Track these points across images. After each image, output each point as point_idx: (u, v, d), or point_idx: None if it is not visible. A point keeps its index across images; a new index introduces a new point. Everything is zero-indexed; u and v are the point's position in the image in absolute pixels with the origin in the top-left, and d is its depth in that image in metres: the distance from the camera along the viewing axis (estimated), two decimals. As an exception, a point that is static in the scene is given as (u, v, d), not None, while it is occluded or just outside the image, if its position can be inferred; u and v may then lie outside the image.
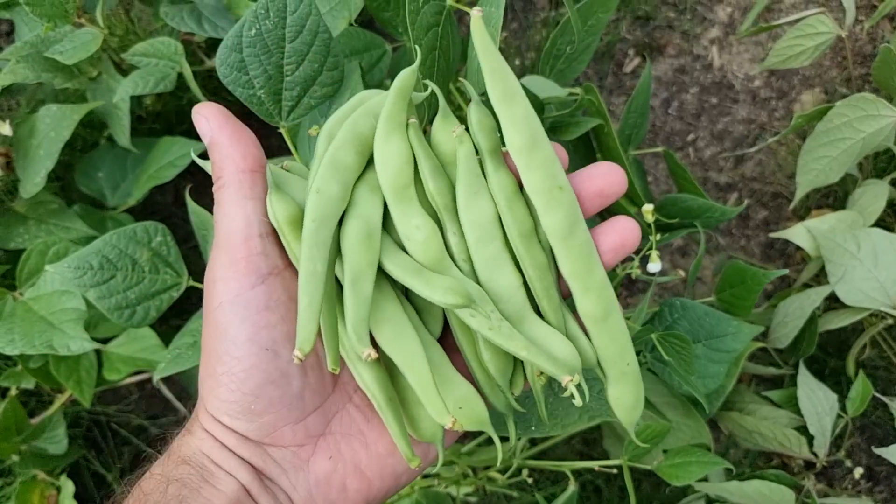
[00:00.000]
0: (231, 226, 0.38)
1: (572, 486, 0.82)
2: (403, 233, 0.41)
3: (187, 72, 0.94)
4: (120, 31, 1.09)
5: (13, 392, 1.06)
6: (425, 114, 0.54)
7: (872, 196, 1.03)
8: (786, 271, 0.87)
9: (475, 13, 0.40)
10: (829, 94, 1.42)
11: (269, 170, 0.40)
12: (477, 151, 0.43)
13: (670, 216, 0.90)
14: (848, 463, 1.08)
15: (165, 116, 1.26)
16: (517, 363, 0.43)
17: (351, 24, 0.80)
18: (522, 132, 0.41)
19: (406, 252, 0.41)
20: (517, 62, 1.45)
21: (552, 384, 0.65)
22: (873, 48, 1.43)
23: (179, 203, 1.33)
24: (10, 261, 1.01)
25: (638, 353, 0.87)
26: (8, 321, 0.84)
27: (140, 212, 1.28)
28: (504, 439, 0.47)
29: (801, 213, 1.34)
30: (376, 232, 0.40)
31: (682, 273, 0.93)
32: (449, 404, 0.41)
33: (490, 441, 1.06)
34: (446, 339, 0.43)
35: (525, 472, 0.87)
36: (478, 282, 0.41)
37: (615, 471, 0.86)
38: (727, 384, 0.90)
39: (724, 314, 0.83)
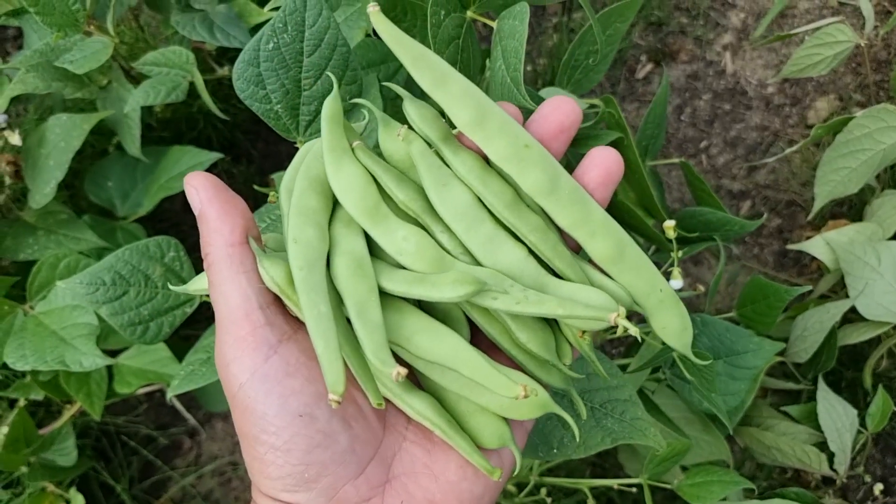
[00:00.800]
0: (229, 305, 0.38)
1: (590, 505, 0.81)
2: (394, 250, 0.39)
3: (199, 81, 0.93)
4: (130, 39, 1.08)
5: (22, 403, 1.06)
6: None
7: (892, 207, 1.01)
8: (809, 287, 0.86)
9: (371, 8, 0.38)
10: (844, 100, 1.41)
11: (251, 242, 0.39)
12: (430, 145, 0.41)
13: (689, 229, 0.88)
14: (867, 478, 1.07)
15: (175, 124, 1.25)
16: (557, 335, 0.42)
17: (367, 36, 0.79)
18: (467, 106, 0.39)
19: (404, 268, 0.40)
20: (529, 68, 1.43)
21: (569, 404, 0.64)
22: (888, 54, 1.41)
23: (188, 210, 1.32)
24: (19, 272, 1.00)
25: (657, 370, 0.86)
26: (19, 336, 0.83)
27: (149, 220, 1.27)
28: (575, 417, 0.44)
29: (816, 223, 1.33)
30: (366, 260, 0.39)
31: (701, 288, 0.92)
32: (502, 399, 0.39)
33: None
34: (478, 342, 0.41)
35: (543, 490, 0.86)
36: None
37: (634, 489, 0.84)
38: (746, 400, 0.88)
39: (744, 330, 0.82)
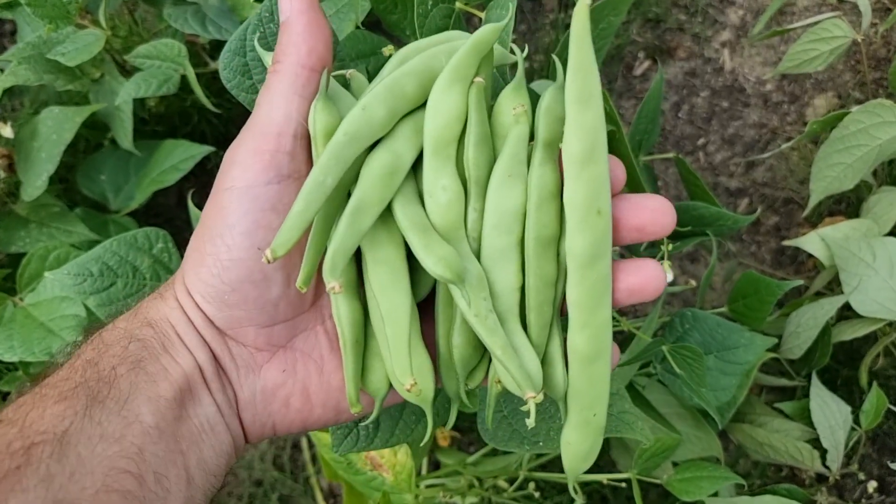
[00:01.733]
0: (270, 116, 0.37)
1: (580, 501, 0.80)
2: (429, 189, 0.39)
3: (191, 74, 0.93)
4: (123, 33, 1.07)
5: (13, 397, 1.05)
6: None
7: (888, 204, 1.01)
8: (800, 282, 0.85)
9: (584, 4, 0.36)
10: (843, 98, 1.40)
11: (324, 76, 0.38)
12: (533, 137, 0.40)
13: (682, 224, 0.88)
14: (861, 476, 1.06)
15: (168, 118, 1.24)
16: (482, 359, 0.41)
17: (357, 27, 0.79)
18: (584, 140, 0.37)
19: (423, 209, 0.39)
20: (525, 64, 1.43)
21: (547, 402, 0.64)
22: (888, 52, 1.41)
23: (182, 205, 1.32)
24: (10, 264, 1.00)
25: (648, 364, 0.85)
26: (7, 327, 0.82)
27: (143, 214, 1.26)
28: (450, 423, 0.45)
29: (814, 220, 1.32)
30: (401, 172, 0.39)
31: (693, 283, 0.91)
32: (401, 367, 0.39)
33: (496, 452, 1.04)
34: (426, 305, 0.42)
35: (532, 485, 0.85)
36: None
37: (624, 484, 0.84)
38: (738, 395, 0.88)
39: (736, 325, 0.81)
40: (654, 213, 0.39)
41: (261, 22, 0.56)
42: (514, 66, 0.46)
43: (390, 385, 0.40)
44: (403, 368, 0.38)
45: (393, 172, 0.38)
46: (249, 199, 0.37)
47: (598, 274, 0.38)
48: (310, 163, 0.38)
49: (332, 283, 0.35)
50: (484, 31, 0.39)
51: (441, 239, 0.38)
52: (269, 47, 0.57)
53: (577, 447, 0.41)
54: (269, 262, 0.33)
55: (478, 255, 0.39)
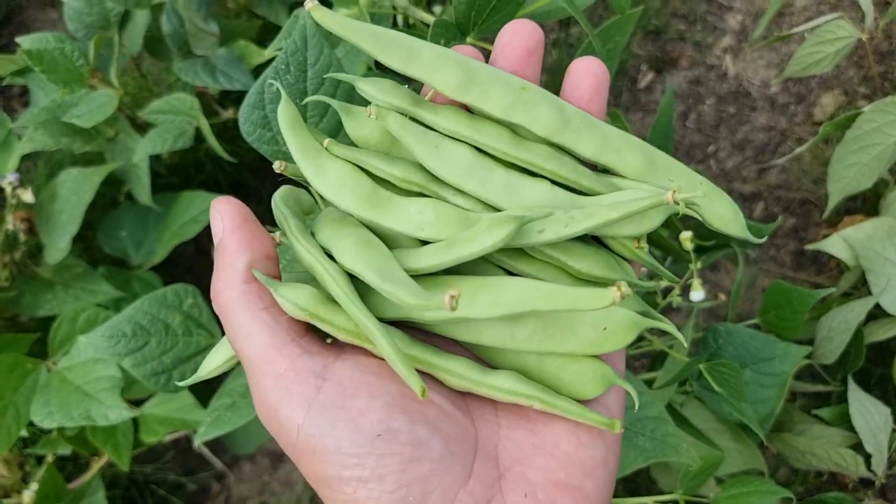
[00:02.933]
0: (256, 346, 0.34)
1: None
2: (412, 228, 0.36)
3: (205, 126, 0.94)
4: (133, 89, 1.09)
5: (50, 459, 1.06)
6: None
7: (907, 200, 1.00)
8: (832, 289, 0.84)
9: (308, 4, 0.35)
10: (849, 94, 1.40)
11: (256, 274, 0.35)
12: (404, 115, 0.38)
13: (704, 237, 0.88)
14: (905, 476, 1.05)
15: (183, 169, 1.26)
16: (612, 256, 0.38)
17: (369, 69, 0.79)
18: (450, 69, 0.36)
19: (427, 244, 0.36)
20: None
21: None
22: (890, 45, 1.41)
23: (202, 253, 1.33)
24: (39, 328, 1.01)
25: (685, 382, 0.85)
26: (44, 393, 0.83)
27: (163, 265, 1.27)
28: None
29: (832, 220, 1.32)
30: (374, 239, 0.36)
31: (722, 297, 0.91)
32: (589, 333, 0.35)
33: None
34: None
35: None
36: None
37: (669, 504, 0.83)
38: (776, 405, 0.87)
39: (769, 337, 0.81)
40: (517, 36, 0.38)
41: (277, 74, 0.57)
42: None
43: (605, 363, 0.36)
44: (595, 294, 0.31)
45: (368, 241, 0.35)
46: (321, 414, 0.32)
47: (575, 117, 0.38)
48: (328, 345, 0.35)
49: (445, 296, 0.29)
50: (281, 113, 0.38)
51: (469, 229, 0.34)
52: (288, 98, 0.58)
53: (724, 215, 0.39)
54: (425, 396, 0.30)
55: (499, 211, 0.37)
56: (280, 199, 0.38)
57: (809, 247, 1.04)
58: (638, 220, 0.36)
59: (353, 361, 0.34)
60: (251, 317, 0.34)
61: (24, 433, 1.01)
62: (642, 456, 0.63)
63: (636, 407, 0.38)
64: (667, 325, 0.36)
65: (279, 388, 0.33)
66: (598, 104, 0.39)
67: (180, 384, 0.39)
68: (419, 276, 0.35)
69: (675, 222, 0.85)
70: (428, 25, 0.72)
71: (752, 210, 1.38)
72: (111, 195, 1.22)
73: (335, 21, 0.35)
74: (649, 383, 0.86)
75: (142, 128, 1.04)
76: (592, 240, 0.39)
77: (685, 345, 0.39)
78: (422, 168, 0.38)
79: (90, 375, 0.83)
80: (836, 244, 0.99)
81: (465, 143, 0.37)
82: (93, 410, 0.80)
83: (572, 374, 0.36)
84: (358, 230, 0.36)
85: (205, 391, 0.98)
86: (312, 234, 0.37)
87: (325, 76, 0.43)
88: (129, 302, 0.92)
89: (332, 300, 0.34)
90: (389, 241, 0.37)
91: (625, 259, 0.39)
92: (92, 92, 0.94)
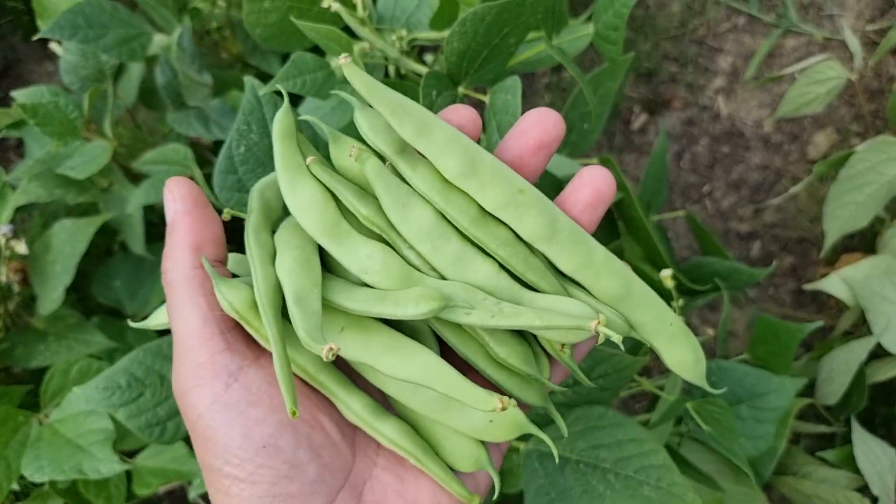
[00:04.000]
0: (188, 328, 0.35)
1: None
2: (358, 269, 0.37)
3: (198, 176, 0.94)
4: (128, 140, 1.09)
5: (41, 514, 1.04)
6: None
7: (904, 238, 1.00)
8: (820, 323, 0.84)
9: (342, 60, 0.36)
10: (842, 132, 1.41)
11: (206, 264, 0.36)
12: (384, 159, 0.39)
13: (699, 280, 0.87)
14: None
15: (178, 216, 1.25)
16: (535, 349, 0.40)
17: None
18: (455, 154, 0.37)
19: (368, 287, 0.38)
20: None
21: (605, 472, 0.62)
22: (879, 83, 1.42)
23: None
24: (31, 379, 0.99)
25: (679, 423, 0.84)
26: (35, 447, 0.81)
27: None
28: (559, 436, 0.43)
29: (832, 259, 1.31)
30: (314, 261, 0.37)
31: (710, 332, 0.90)
32: (476, 419, 0.38)
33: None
34: (451, 363, 0.39)
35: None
36: None
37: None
38: (778, 446, 0.86)
39: (763, 371, 0.80)
40: (539, 126, 0.39)
41: (241, 136, 0.57)
42: None
43: (485, 447, 0.39)
44: (481, 398, 0.35)
45: (307, 261, 0.37)
46: (223, 411, 0.35)
47: (565, 231, 0.38)
48: (253, 345, 0.37)
49: (325, 346, 0.32)
50: (278, 121, 0.39)
51: (401, 291, 0.36)
52: (257, 157, 0.58)
53: (684, 361, 0.41)
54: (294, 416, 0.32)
55: (444, 280, 0.38)
56: (257, 190, 0.40)
57: (808, 287, 1.04)
58: (563, 332, 0.38)
59: (267, 371, 0.36)
60: (189, 301, 0.36)
61: (14, 486, 1.00)
62: (645, 505, 0.61)
63: (495, 493, 0.39)
64: (544, 437, 0.38)
65: (194, 376, 0.35)
66: (592, 218, 0.40)
67: (133, 324, 0.41)
68: (342, 313, 0.37)
69: (665, 262, 0.85)
70: (420, 76, 0.72)
71: (749, 249, 1.37)
72: (105, 244, 1.22)
73: (363, 81, 0.37)
74: (646, 424, 0.85)
75: (136, 178, 1.04)
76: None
77: (589, 384, 0.41)
78: (387, 221, 0.39)
79: (82, 428, 0.81)
80: (834, 284, 0.99)
81: (434, 206, 0.39)
82: (84, 464, 0.78)
83: (453, 445, 0.39)
84: (304, 248, 0.38)
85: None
86: (273, 232, 0.39)
87: (330, 92, 0.43)
88: (123, 352, 0.91)
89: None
90: (335, 269, 0.39)
91: (548, 355, 0.40)
92: (86, 143, 0.94)
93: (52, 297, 0.95)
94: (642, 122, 1.47)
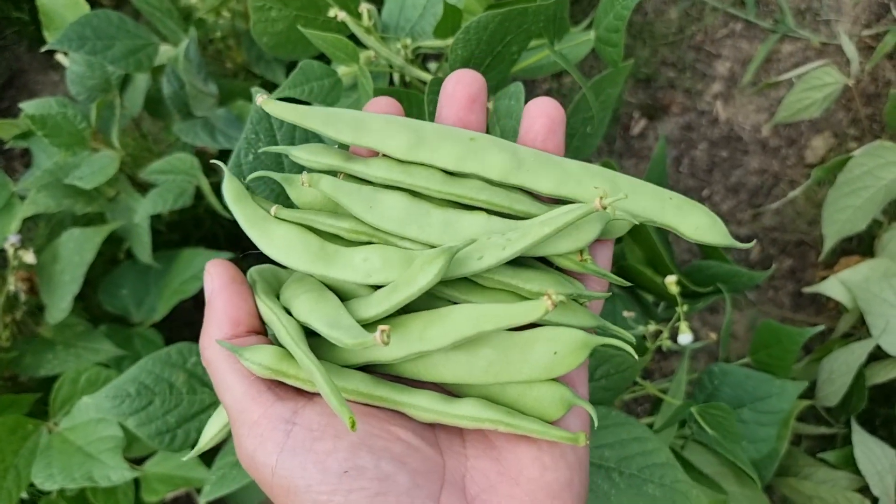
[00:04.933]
0: (235, 395, 0.37)
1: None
2: (360, 276, 0.38)
3: (205, 185, 0.95)
4: (134, 150, 1.10)
5: (50, 521, 1.04)
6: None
7: (902, 241, 1.01)
8: (822, 326, 0.85)
9: (259, 99, 0.39)
10: (839, 136, 1.42)
11: (222, 343, 0.37)
12: (338, 175, 0.40)
13: (698, 283, 0.89)
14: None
15: (182, 226, 1.27)
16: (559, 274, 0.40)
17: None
18: (398, 133, 0.38)
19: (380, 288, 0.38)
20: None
21: (614, 476, 0.63)
22: (876, 87, 1.43)
23: (200, 307, 1.33)
24: (39, 388, 1.00)
25: (683, 425, 0.85)
26: (45, 455, 0.82)
27: (163, 321, 1.27)
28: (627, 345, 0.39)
29: (830, 262, 1.33)
30: (327, 292, 0.38)
31: (713, 336, 0.91)
32: (541, 359, 0.36)
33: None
34: None
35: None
36: None
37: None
38: (779, 447, 0.87)
39: (765, 375, 0.81)
40: (543, 115, 0.40)
41: (250, 145, 0.58)
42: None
43: (565, 385, 0.38)
44: (532, 306, 0.34)
45: (321, 295, 0.38)
46: (291, 456, 0.34)
47: (528, 157, 0.39)
48: (299, 392, 0.37)
49: (375, 333, 0.32)
50: (227, 188, 0.40)
51: (407, 270, 0.37)
52: (265, 165, 0.59)
53: (701, 224, 0.40)
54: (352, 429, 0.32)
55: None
56: (255, 271, 0.41)
57: (807, 290, 1.05)
58: (575, 233, 0.37)
59: (322, 406, 0.36)
60: (231, 369, 0.37)
61: (23, 494, 1.01)
62: (652, 503, 0.63)
63: (595, 425, 0.38)
64: (619, 342, 0.37)
65: (254, 435, 0.35)
66: (554, 142, 0.41)
67: (185, 458, 0.42)
68: (372, 323, 0.37)
69: (668, 266, 0.86)
70: (424, 83, 0.74)
71: (748, 252, 1.39)
72: (111, 253, 1.23)
73: (286, 110, 0.39)
74: (650, 427, 0.86)
75: (142, 187, 1.06)
76: (541, 263, 0.40)
77: (635, 357, 0.41)
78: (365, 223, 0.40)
79: (92, 436, 0.82)
80: (833, 287, 1.00)
81: (400, 189, 0.39)
82: (94, 471, 0.79)
83: (533, 400, 0.37)
84: (313, 288, 0.38)
85: (208, 451, 0.97)
86: (278, 297, 0.40)
87: (260, 151, 0.45)
88: (131, 360, 0.92)
89: (291, 356, 0.36)
90: (346, 293, 0.39)
91: (575, 276, 0.40)
92: (94, 154, 0.95)
93: (60, 305, 0.96)
94: (642, 128, 1.48)
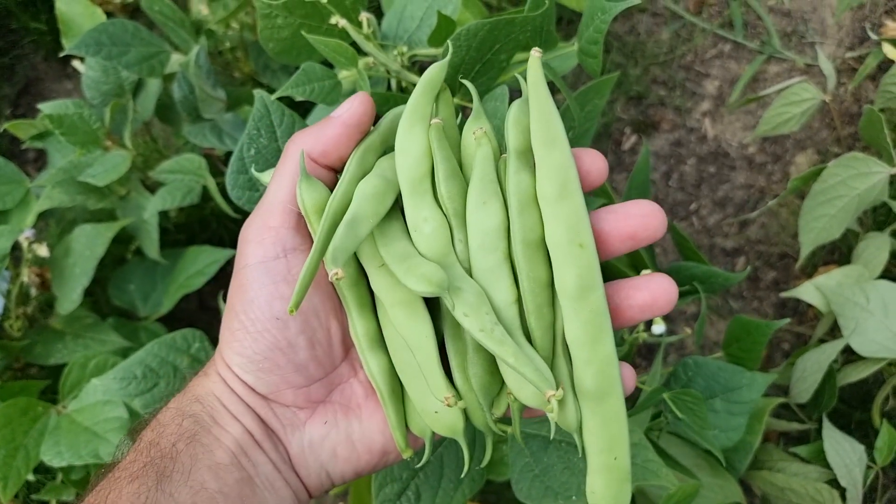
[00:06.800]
0: (277, 194, 0.42)
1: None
2: (412, 224, 0.41)
3: (211, 184, 1.00)
4: (144, 151, 1.15)
5: (53, 506, 1.08)
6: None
7: (875, 249, 1.06)
8: (788, 320, 0.89)
9: (535, 53, 0.40)
10: (822, 154, 1.47)
11: (301, 159, 0.41)
12: (505, 150, 0.42)
13: (678, 282, 0.93)
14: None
15: (189, 227, 1.32)
16: (502, 387, 0.42)
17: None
18: (554, 180, 0.39)
19: (411, 243, 0.41)
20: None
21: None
22: (858, 108, 1.49)
23: (203, 308, 1.38)
24: (48, 376, 1.05)
25: (658, 416, 0.89)
26: (54, 434, 0.87)
27: (167, 319, 1.32)
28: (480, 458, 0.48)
29: (809, 271, 1.37)
30: (391, 194, 0.41)
31: (688, 331, 0.95)
32: (427, 404, 0.42)
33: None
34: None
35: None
36: None
37: (653, 539, 0.86)
38: (752, 441, 0.91)
39: (736, 367, 0.85)
40: (643, 219, 0.40)
41: (251, 139, 0.63)
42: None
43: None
44: (439, 385, 0.40)
45: (383, 193, 0.41)
46: (262, 273, 0.41)
47: (591, 307, 0.39)
48: (309, 237, 0.43)
49: (334, 269, 0.36)
50: (430, 72, 0.42)
51: (424, 260, 0.39)
52: (266, 158, 0.64)
53: (602, 494, 0.40)
54: (291, 313, 0.37)
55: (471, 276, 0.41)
56: (390, 116, 0.45)
57: (784, 294, 1.10)
58: (523, 384, 0.40)
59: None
60: (291, 174, 0.42)
61: (30, 477, 1.05)
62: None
63: (423, 458, 0.45)
64: (467, 455, 0.44)
65: (259, 232, 0.42)
66: (632, 319, 0.42)
67: (258, 174, 0.51)
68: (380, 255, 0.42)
69: (645, 262, 0.91)
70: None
71: (733, 264, 1.43)
72: (119, 253, 1.28)
73: (537, 78, 0.41)
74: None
75: (151, 188, 1.11)
76: None
77: (519, 440, 0.45)
78: (464, 201, 0.42)
79: (99, 417, 0.86)
80: (809, 291, 1.04)
81: (506, 211, 0.41)
82: (101, 449, 0.84)
83: (414, 408, 0.44)
84: (389, 182, 0.42)
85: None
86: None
87: (515, 74, 0.48)
88: (136, 352, 0.97)
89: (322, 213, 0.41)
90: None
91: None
92: (107, 153, 1.00)
93: (71, 297, 1.01)
94: (632, 143, 1.54)
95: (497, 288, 0.40)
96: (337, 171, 0.44)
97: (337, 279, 0.36)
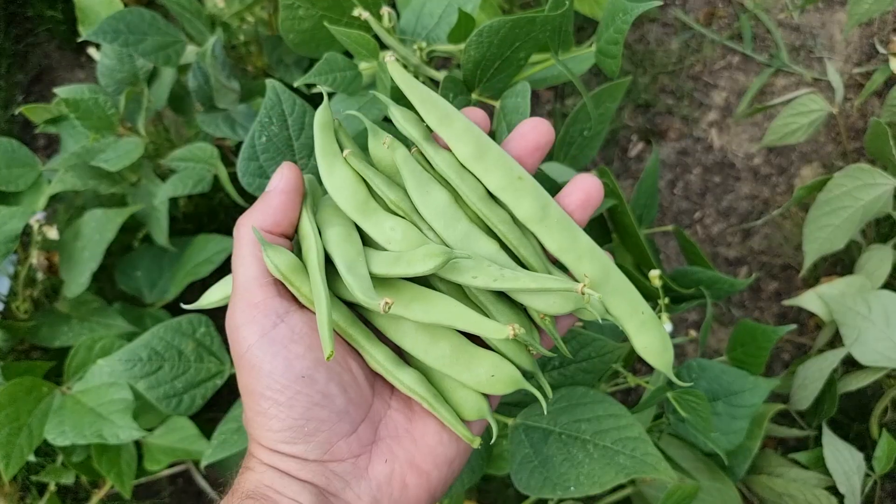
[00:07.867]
0: (247, 274, 0.43)
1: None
2: (383, 240, 0.44)
3: (222, 173, 1.01)
4: (156, 139, 1.16)
5: (52, 488, 1.09)
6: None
7: (878, 260, 1.07)
8: (793, 326, 0.90)
9: (388, 58, 0.46)
10: (827, 167, 1.49)
11: (256, 233, 0.43)
12: (412, 146, 0.47)
13: (683, 286, 0.94)
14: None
15: (197, 217, 1.32)
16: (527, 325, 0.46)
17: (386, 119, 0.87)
18: (468, 142, 0.45)
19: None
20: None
21: (584, 445, 0.68)
22: (864, 123, 1.50)
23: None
24: (54, 358, 1.05)
25: (659, 417, 0.90)
26: (58, 414, 0.87)
27: (171, 308, 1.33)
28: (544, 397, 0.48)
29: (811, 282, 1.38)
30: (354, 234, 0.45)
31: (693, 333, 0.96)
32: (481, 375, 0.44)
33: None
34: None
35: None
36: None
37: (651, 539, 0.87)
38: (752, 445, 0.92)
39: (740, 371, 0.86)
40: (535, 133, 0.47)
41: (263, 127, 0.64)
42: None
43: (486, 399, 0.46)
44: (496, 328, 0.40)
45: (349, 235, 0.44)
46: (269, 344, 0.41)
47: (554, 217, 0.45)
48: (294, 298, 0.44)
49: (381, 301, 0.39)
50: (319, 116, 0.46)
51: (414, 249, 0.43)
52: (277, 146, 0.65)
53: (651, 346, 0.46)
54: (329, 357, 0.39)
55: None
56: (313, 182, 0.48)
57: (786, 303, 1.10)
58: (551, 300, 0.44)
59: (308, 317, 0.43)
60: (251, 253, 0.43)
61: (31, 458, 1.05)
62: (623, 472, 0.67)
63: (493, 437, 0.47)
64: (538, 393, 0.46)
65: (248, 313, 0.42)
66: (581, 216, 0.47)
67: (186, 307, 0.49)
68: (376, 278, 0.44)
69: (653, 265, 0.92)
70: (436, 82, 0.80)
71: (736, 274, 1.44)
72: (126, 241, 1.29)
73: (402, 75, 0.46)
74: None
75: (162, 176, 1.12)
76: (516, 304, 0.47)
77: (568, 354, 0.49)
78: (410, 200, 0.46)
79: (103, 398, 0.87)
80: (811, 300, 1.05)
81: (448, 188, 0.46)
82: (104, 430, 0.84)
83: (459, 398, 0.46)
84: (345, 225, 0.45)
85: (204, 425, 1.02)
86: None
87: (371, 91, 0.52)
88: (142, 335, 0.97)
89: (303, 272, 0.43)
90: (364, 240, 0.46)
91: (537, 328, 0.48)
92: (120, 139, 1.01)
93: (79, 280, 1.02)
94: (639, 150, 1.55)
95: (479, 247, 0.45)
96: (290, 237, 0.46)
97: (389, 307, 0.39)
